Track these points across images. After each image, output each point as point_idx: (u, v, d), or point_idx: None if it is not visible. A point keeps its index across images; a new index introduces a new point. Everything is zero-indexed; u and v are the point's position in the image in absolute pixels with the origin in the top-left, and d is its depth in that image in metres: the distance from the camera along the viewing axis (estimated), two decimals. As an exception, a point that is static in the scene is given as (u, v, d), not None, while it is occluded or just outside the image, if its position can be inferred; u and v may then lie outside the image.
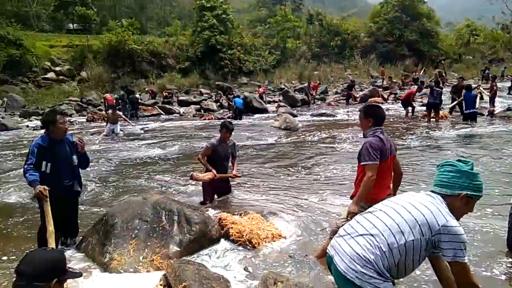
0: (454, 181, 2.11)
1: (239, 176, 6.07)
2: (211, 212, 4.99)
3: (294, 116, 16.57)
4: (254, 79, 30.76)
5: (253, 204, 5.54)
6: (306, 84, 25.04)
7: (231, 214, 4.77)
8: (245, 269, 3.78)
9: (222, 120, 6.07)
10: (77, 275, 1.90)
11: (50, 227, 3.56)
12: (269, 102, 23.28)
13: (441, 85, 16.73)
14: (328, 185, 6.65)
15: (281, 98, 23.53)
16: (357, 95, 22.47)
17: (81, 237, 4.41)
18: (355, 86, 23.35)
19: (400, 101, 17.66)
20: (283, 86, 27.64)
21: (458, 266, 2.03)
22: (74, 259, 4.00)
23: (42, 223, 3.84)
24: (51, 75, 26.21)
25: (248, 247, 4.19)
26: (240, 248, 4.21)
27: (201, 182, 5.71)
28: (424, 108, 14.73)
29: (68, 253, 4.13)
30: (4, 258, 4.14)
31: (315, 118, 17.22)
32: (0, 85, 23.36)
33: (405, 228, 2.01)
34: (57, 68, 26.92)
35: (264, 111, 20.25)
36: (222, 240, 4.36)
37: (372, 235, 2.05)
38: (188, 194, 6.32)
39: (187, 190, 6.69)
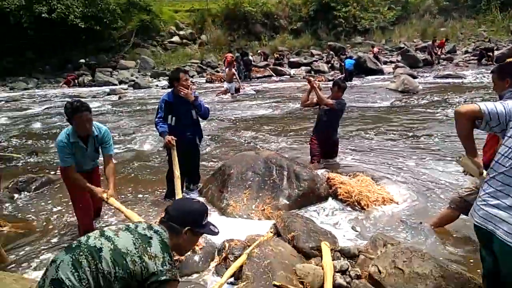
0: None
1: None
2: (319, 172, 5.04)
3: (414, 77, 15.23)
4: (369, 38, 28.82)
5: (361, 167, 5.42)
6: (430, 42, 22.60)
7: (340, 175, 4.75)
8: (353, 228, 3.78)
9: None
10: (214, 233, 2.03)
11: (177, 172, 4.04)
12: (386, 63, 21.73)
13: None
14: (440, 152, 6.15)
15: (399, 58, 21.76)
16: (493, 55, 19.53)
17: (201, 184, 4.89)
18: (493, 49, 20.19)
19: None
20: (402, 45, 25.41)
21: None
22: (197, 202, 4.49)
23: (169, 168, 4.35)
24: (176, 38, 28.39)
25: (357, 208, 4.15)
26: (349, 208, 4.20)
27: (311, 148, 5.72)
28: None
29: (191, 196, 4.64)
30: (140, 196, 4.85)
31: (438, 80, 15.61)
32: (134, 48, 26.26)
33: None
34: (181, 32, 29.00)
35: (380, 72, 19.06)
36: (330, 199, 4.40)
37: None
38: (295, 153, 6.43)
39: (294, 149, 6.82)
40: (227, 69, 15.10)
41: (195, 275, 2.96)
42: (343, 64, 18.36)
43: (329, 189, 4.46)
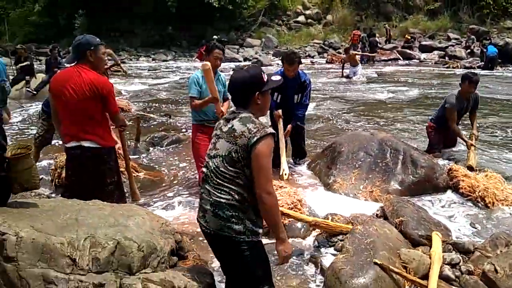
0: None
1: None
2: (440, 162, 4.66)
3: None
4: (523, 23, 24.63)
5: (489, 163, 4.85)
6: None
7: (464, 168, 4.33)
8: (471, 225, 3.45)
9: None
10: (278, 82, 2.09)
11: (282, 145, 4.21)
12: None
13: None
14: None
15: (561, 46, 18.19)
16: None
17: (310, 160, 4.95)
18: None
19: None
20: None
21: None
22: (304, 175, 4.60)
23: (276, 140, 4.50)
24: (301, 18, 28.38)
25: (480, 204, 3.77)
26: (469, 203, 3.84)
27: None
28: None
29: (299, 168, 4.75)
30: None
31: None
32: (261, 27, 27.14)
33: None
34: (307, 12, 28.83)
35: (531, 62, 16.31)
36: (449, 191, 4.08)
37: None
38: (412, 140, 5.98)
39: (413, 136, 6.35)
40: (345, 55, 14.26)
41: (297, 240, 3.08)
42: (484, 50, 16.15)
43: (450, 180, 4.11)
